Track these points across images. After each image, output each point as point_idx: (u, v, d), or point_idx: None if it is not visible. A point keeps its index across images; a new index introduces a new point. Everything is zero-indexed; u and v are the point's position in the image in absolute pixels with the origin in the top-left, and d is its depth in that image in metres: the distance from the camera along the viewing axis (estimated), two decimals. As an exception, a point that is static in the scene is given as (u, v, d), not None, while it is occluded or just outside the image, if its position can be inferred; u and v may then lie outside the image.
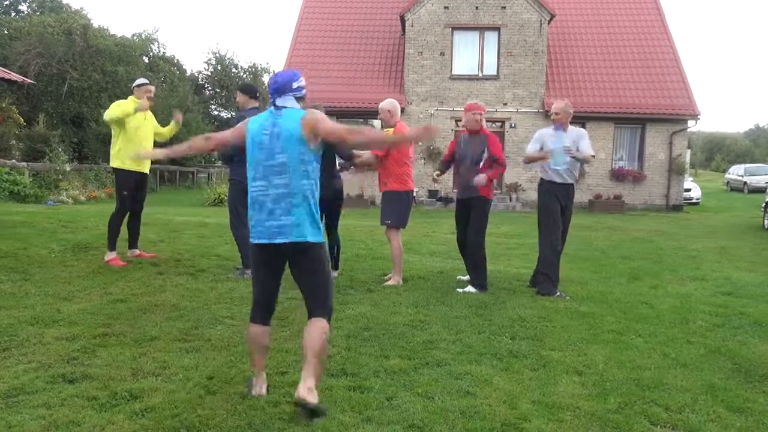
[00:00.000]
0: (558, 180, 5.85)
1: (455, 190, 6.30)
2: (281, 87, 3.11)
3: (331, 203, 5.97)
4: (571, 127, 5.91)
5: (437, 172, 6.33)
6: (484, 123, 6.00)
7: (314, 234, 3.05)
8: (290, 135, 2.99)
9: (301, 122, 3.00)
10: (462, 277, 6.24)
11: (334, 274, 6.06)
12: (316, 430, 2.79)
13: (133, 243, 6.72)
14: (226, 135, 3.30)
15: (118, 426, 2.76)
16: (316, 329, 2.99)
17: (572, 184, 5.93)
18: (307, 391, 2.82)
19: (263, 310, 3.23)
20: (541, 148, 5.85)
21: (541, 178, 5.98)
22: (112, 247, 6.33)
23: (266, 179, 3.03)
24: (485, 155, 5.83)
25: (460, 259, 6.44)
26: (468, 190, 5.89)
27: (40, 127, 22.30)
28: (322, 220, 6.08)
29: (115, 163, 6.40)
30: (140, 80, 6.55)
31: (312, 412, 2.84)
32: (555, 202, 5.84)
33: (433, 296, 5.48)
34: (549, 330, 4.52)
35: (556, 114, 5.87)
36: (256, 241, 3.09)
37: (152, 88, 6.52)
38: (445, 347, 4.03)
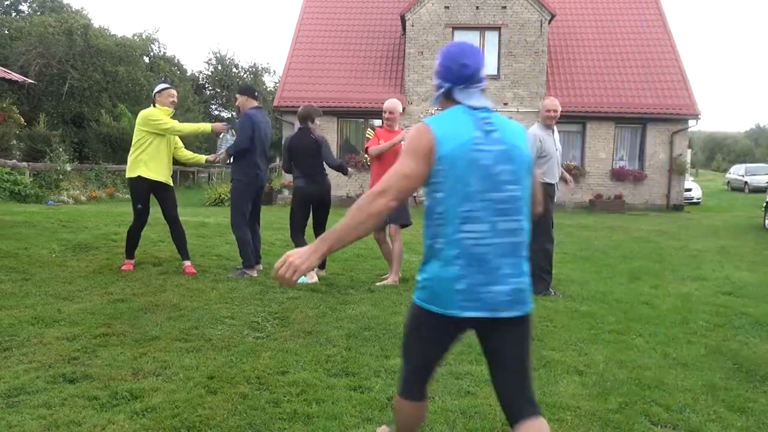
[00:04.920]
0: (551, 181, 5.86)
1: None
2: (472, 75, 2.11)
3: (319, 203, 5.99)
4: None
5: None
6: None
7: (533, 298, 2.16)
8: (524, 160, 2.10)
9: (528, 143, 2.16)
10: None
11: (322, 273, 6.08)
12: (317, 430, 2.80)
13: (183, 254, 6.19)
14: (420, 173, 2.03)
15: (118, 426, 2.76)
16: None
17: (555, 184, 5.95)
18: None
19: (427, 383, 2.27)
20: (540, 156, 5.78)
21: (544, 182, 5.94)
22: (130, 255, 6.12)
23: (489, 221, 2.02)
24: None
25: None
26: None
27: (41, 127, 22.32)
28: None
29: (130, 172, 6.00)
30: (162, 85, 6.19)
31: None
32: (547, 204, 5.83)
33: (434, 296, 5.47)
34: (549, 330, 4.52)
35: (555, 112, 5.85)
36: (466, 314, 2.01)
37: (174, 92, 6.18)
38: (445, 347, 4.02)
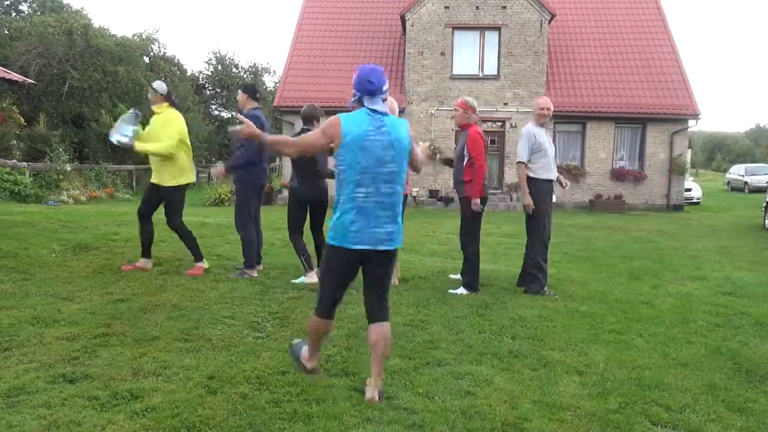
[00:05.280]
0: (550, 177, 5.85)
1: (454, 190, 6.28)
2: (375, 89, 3.08)
3: (317, 204, 5.99)
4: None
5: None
6: (472, 118, 5.87)
7: (402, 239, 3.24)
8: (403, 147, 3.09)
9: (409, 134, 3.16)
10: (453, 276, 6.23)
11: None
12: (317, 430, 2.80)
13: (197, 255, 6.21)
14: (319, 141, 3.13)
15: (118, 426, 2.75)
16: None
17: (554, 182, 5.96)
18: (376, 391, 3.12)
19: (335, 307, 3.28)
20: (533, 152, 5.79)
21: (528, 176, 5.86)
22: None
23: (374, 186, 3.04)
24: (465, 151, 5.76)
25: (461, 259, 6.43)
26: (457, 187, 5.90)
27: (41, 127, 22.31)
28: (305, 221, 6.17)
29: (174, 181, 5.98)
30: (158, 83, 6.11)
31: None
32: (543, 202, 5.81)
33: (434, 296, 5.48)
34: (549, 330, 4.52)
35: (548, 110, 5.85)
36: (358, 247, 3.05)
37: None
38: (445, 347, 4.03)
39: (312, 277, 5.80)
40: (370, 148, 3.01)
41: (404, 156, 3.12)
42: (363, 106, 3.09)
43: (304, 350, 3.37)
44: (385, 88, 3.11)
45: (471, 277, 5.76)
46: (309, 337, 3.34)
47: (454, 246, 7.30)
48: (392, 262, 3.21)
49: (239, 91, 6.27)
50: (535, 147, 5.77)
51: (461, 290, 5.74)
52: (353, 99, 3.14)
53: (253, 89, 6.25)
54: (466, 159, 5.73)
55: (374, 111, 3.06)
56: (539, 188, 5.79)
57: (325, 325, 3.26)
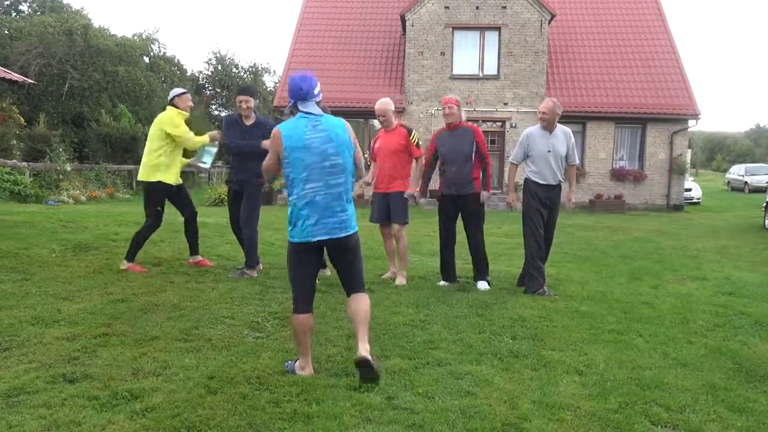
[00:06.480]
0: (539, 181, 5.86)
1: (434, 189, 6.32)
2: (306, 94, 3.36)
3: None
4: (558, 126, 5.90)
5: (417, 191, 6.10)
6: (463, 116, 6.01)
7: (356, 224, 3.47)
8: (342, 140, 3.36)
9: (347, 130, 3.44)
10: (442, 283, 6.06)
11: (326, 272, 6.06)
12: (317, 430, 2.80)
13: (194, 249, 6.45)
14: (273, 158, 3.45)
15: (118, 426, 2.76)
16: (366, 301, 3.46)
17: (555, 186, 5.90)
18: (366, 351, 3.20)
19: (311, 298, 3.45)
20: (526, 154, 5.92)
21: (525, 177, 5.98)
22: (131, 258, 6.06)
23: (322, 180, 3.29)
24: (474, 150, 5.85)
25: (461, 259, 6.43)
26: (461, 186, 5.89)
27: (41, 127, 22.29)
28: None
29: (150, 176, 5.98)
30: (180, 89, 6.21)
31: (372, 370, 3.14)
32: (536, 202, 5.85)
33: (434, 296, 5.48)
34: (549, 330, 4.52)
35: (544, 113, 5.85)
36: (317, 239, 3.30)
37: (190, 97, 6.21)
38: (445, 347, 4.03)
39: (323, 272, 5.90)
40: (311, 146, 3.28)
41: (345, 148, 3.38)
42: (298, 110, 3.38)
43: (297, 363, 3.47)
44: (316, 91, 3.39)
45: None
46: (295, 340, 3.48)
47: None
48: (355, 246, 3.43)
49: (246, 98, 6.05)
50: (527, 149, 5.90)
51: (484, 285, 5.93)
52: (289, 106, 3.45)
53: (250, 90, 6.27)
54: (473, 157, 5.86)
55: (308, 113, 3.35)
56: (527, 188, 5.93)
57: (307, 319, 3.40)
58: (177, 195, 6.23)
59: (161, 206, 6.11)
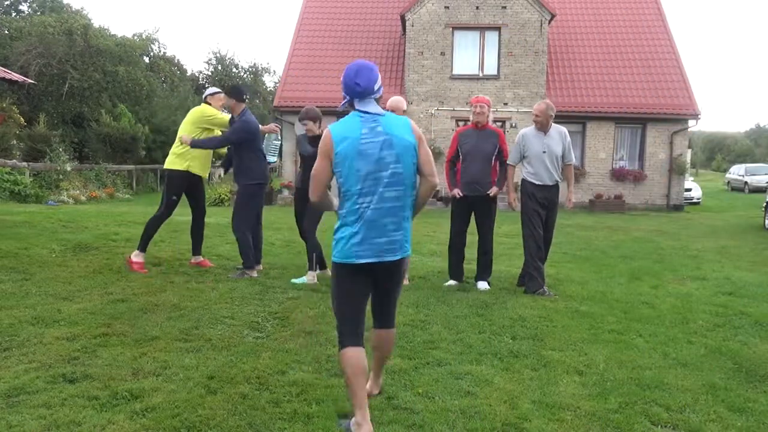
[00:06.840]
0: (535, 181, 5.87)
1: (453, 190, 6.19)
2: (364, 91, 2.81)
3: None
4: (553, 126, 5.93)
5: (456, 191, 6.01)
6: (491, 118, 6.08)
7: (410, 246, 2.96)
8: (405, 145, 2.79)
9: (413, 131, 2.86)
10: (451, 282, 6.08)
11: (328, 272, 6.05)
12: (317, 430, 2.79)
13: (197, 249, 6.50)
14: (324, 165, 2.85)
15: (118, 426, 2.76)
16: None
17: (552, 186, 5.90)
18: (379, 387, 3.18)
19: (360, 330, 2.90)
20: (522, 155, 5.95)
21: (522, 178, 6.04)
22: (143, 248, 6.11)
23: (376, 193, 2.76)
24: (496, 152, 5.93)
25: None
26: (479, 186, 5.90)
27: (41, 127, 22.30)
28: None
29: (177, 164, 6.11)
30: (214, 89, 6.53)
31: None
32: (533, 203, 5.89)
33: (434, 296, 5.48)
34: (549, 330, 4.52)
35: (537, 116, 5.89)
36: (362, 261, 2.78)
37: (224, 97, 6.27)
38: (445, 347, 4.03)
39: (312, 278, 5.81)
40: (366, 152, 2.74)
41: (408, 155, 2.80)
42: (354, 108, 2.86)
43: (352, 421, 2.76)
44: (376, 86, 2.83)
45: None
46: (347, 387, 2.83)
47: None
48: (401, 272, 2.94)
49: (223, 96, 6.25)
50: (523, 150, 5.95)
51: (485, 285, 5.96)
52: (342, 104, 2.93)
53: (238, 92, 6.10)
54: (493, 159, 5.92)
55: (366, 112, 2.81)
56: (524, 189, 5.98)
57: (356, 355, 2.80)
58: (195, 188, 6.39)
59: (177, 196, 6.21)
